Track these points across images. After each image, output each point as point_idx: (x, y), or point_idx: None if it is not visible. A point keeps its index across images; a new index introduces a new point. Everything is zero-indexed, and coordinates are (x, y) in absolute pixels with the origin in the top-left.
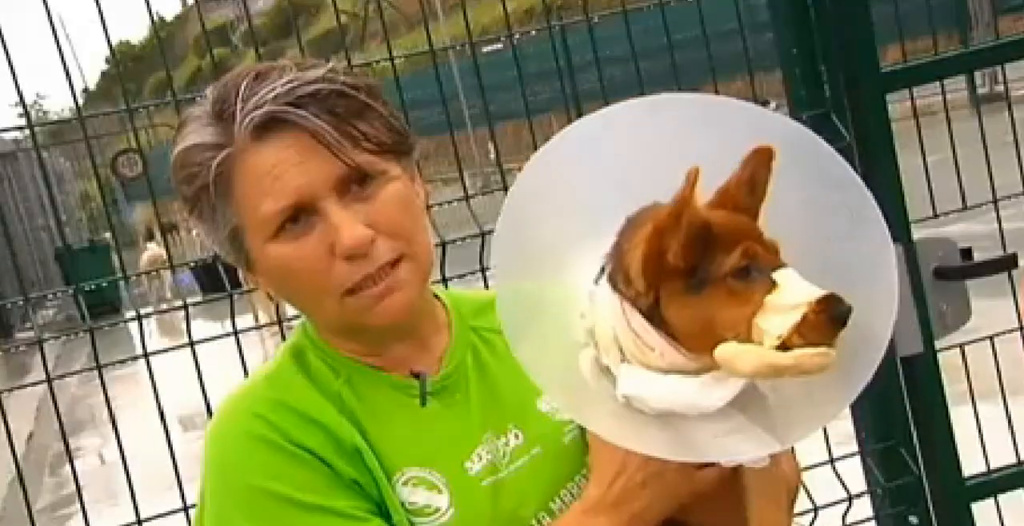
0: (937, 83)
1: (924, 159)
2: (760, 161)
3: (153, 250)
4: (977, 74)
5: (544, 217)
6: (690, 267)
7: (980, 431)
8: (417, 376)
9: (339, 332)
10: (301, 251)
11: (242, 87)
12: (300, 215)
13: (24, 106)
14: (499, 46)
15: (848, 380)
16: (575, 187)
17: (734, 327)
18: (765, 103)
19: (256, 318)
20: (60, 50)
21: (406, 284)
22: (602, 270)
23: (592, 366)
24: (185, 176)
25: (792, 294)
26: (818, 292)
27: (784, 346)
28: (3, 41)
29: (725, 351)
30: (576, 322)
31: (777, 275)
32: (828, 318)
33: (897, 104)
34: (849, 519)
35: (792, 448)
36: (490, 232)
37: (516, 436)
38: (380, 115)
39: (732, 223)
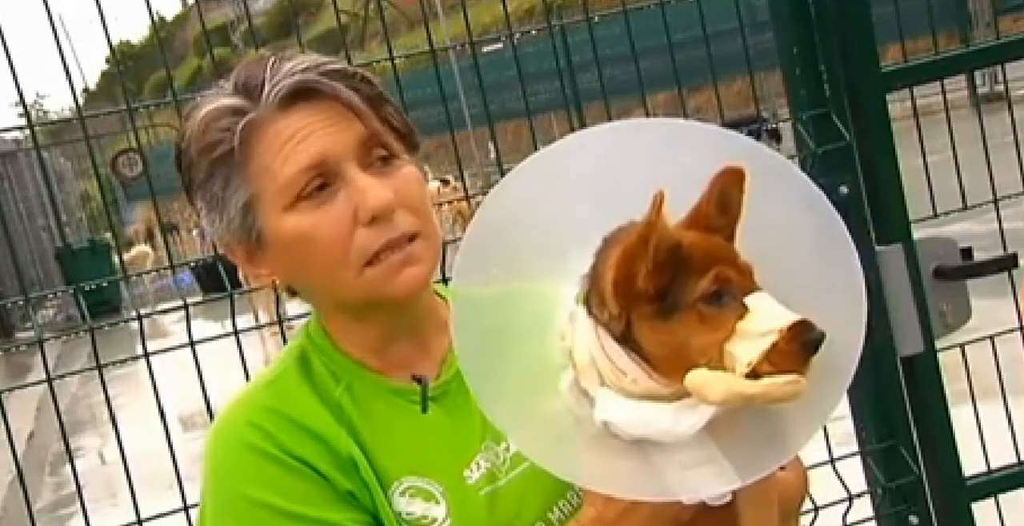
0: (936, 83)
1: (924, 158)
2: (729, 180)
3: (138, 249)
4: (977, 74)
5: (518, 231)
6: (660, 291)
7: (980, 431)
8: (419, 381)
9: (349, 313)
10: (323, 219)
11: (270, 63)
12: (322, 183)
13: (24, 106)
14: (499, 46)
15: (814, 410)
16: (552, 203)
17: (705, 353)
18: (761, 118)
19: (256, 318)
20: (60, 50)
21: (423, 259)
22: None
23: (572, 389)
24: (205, 144)
25: (763, 320)
26: (790, 318)
27: (755, 373)
28: (3, 41)
29: (695, 379)
30: (555, 343)
31: (750, 299)
32: (799, 345)
33: (897, 104)
34: (849, 519)
35: (797, 455)
36: None
37: None
38: (395, 107)
39: (705, 245)
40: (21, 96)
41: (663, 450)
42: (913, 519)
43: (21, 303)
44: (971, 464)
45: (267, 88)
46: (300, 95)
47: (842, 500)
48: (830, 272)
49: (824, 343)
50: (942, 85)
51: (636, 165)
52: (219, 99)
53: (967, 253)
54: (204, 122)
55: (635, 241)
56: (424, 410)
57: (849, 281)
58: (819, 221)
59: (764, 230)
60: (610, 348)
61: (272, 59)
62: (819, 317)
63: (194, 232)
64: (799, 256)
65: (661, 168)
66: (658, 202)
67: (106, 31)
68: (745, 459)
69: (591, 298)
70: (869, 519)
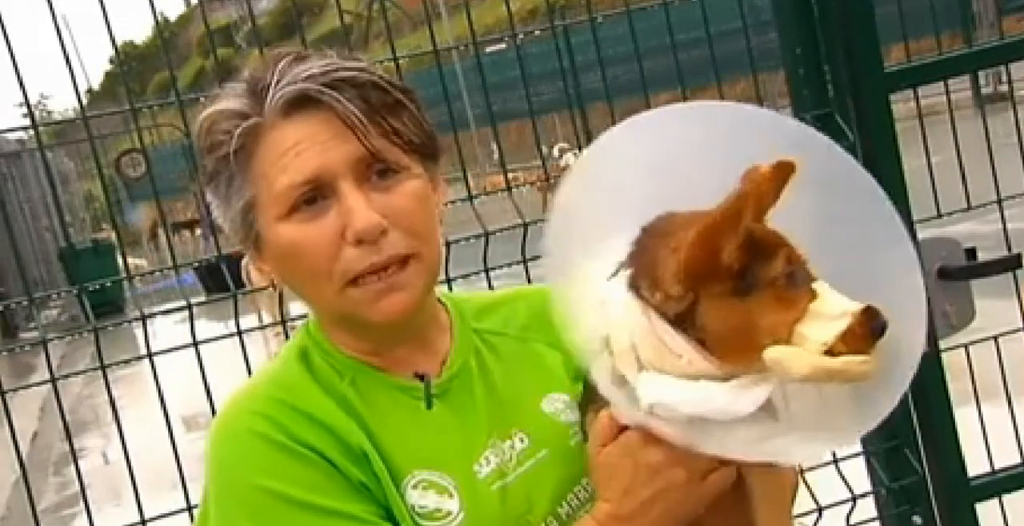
0: (939, 83)
1: (928, 159)
2: (780, 175)
3: (133, 262)
4: (981, 74)
5: (581, 216)
6: (740, 269)
7: (984, 431)
8: (421, 378)
9: (338, 324)
10: (312, 232)
11: (280, 65)
12: (316, 196)
13: (28, 106)
14: (502, 46)
15: (882, 397)
16: (604, 189)
17: (775, 332)
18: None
19: (260, 318)
20: (65, 50)
21: (410, 286)
22: (615, 276)
23: (608, 376)
24: (209, 144)
25: (835, 303)
26: (858, 303)
27: (829, 353)
28: (8, 41)
29: (775, 353)
30: (594, 328)
31: (815, 285)
32: (870, 329)
33: (900, 104)
34: (853, 519)
35: None
36: (493, 232)
37: (521, 440)
38: (412, 115)
39: (769, 230)
40: (26, 96)
41: (722, 427)
42: (917, 520)
43: (25, 303)
44: (975, 464)
45: (271, 92)
46: (302, 103)
47: (846, 500)
48: (885, 261)
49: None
50: (946, 85)
51: (693, 153)
52: (228, 98)
53: (971, 253)
54: (209, 121)
55: (720, 217)
56: (428, 406)
57: (906, 270)
58: (875, 213)
59: (819, 218)
60: (662, 330)
61: (285, 60)
62: (873, 294)
63: (197, 231)
64: (855, 246)
65: (714, 156)
66: (755, 177)
67: (110, 32)
68: (809, 439)
69: (639, 281)
70: (873, 520)
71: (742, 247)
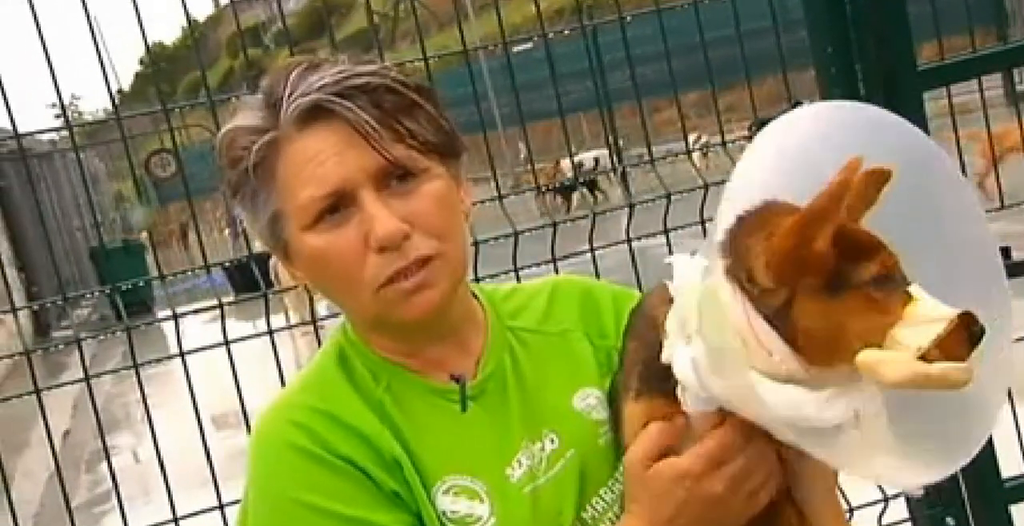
0: (973, 81)
1: (960, 157)
2: (873, 182)
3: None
4: (1015, 71)
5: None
6: (833, 263)
7: (1019, 432)
8: (457, 380)
9: (373, 327)
10: (337, 242)
11: (292, 75)
12: (339, 206)
13: (63, 108)
14: (528, 46)
15: (983, 410)
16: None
17: (868, 336)
18: (798, 103)
19: (287, 318)
20: (99, 52)
21: (436, 283)
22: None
23: (691, 362)
24: (230, 159)
25: (931, 308)
26: (954, 309)
27: (924, 359)
28: (44, 43)
29: (871, 357)
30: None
31: (911, 289)
32: (968, 335)
33: (931, 102)
34: (885, 520)
35: None
36: (523, 232)
37: (552, 441)
38: (428, 114)
39: (865, 231)
40: (60, 98)
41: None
42: (949, 521)
43: (58, 303)
44: (1009, 466)
45: (285, 104)
46: (317, 114)
47: (877, 501)
48: (973, 268)
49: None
50: (979, 83)
51: (821, 151)
52: (245, 113)
53: (1005, 253)
54: (228, 137)
55: (818, 205)
56: (464, 409)
57: (994, 279)
58: (969, 231)
59: (916, 226)
60: (758, 326)
61: (297, 70)
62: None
63: (226, 231)
64: (947, 252)
65: (827, 155)
66: (854, 167)
67: (143, 33)
68: (918, 453)
69: (738, 272)
70: (905, 521)
71: (835, 242)
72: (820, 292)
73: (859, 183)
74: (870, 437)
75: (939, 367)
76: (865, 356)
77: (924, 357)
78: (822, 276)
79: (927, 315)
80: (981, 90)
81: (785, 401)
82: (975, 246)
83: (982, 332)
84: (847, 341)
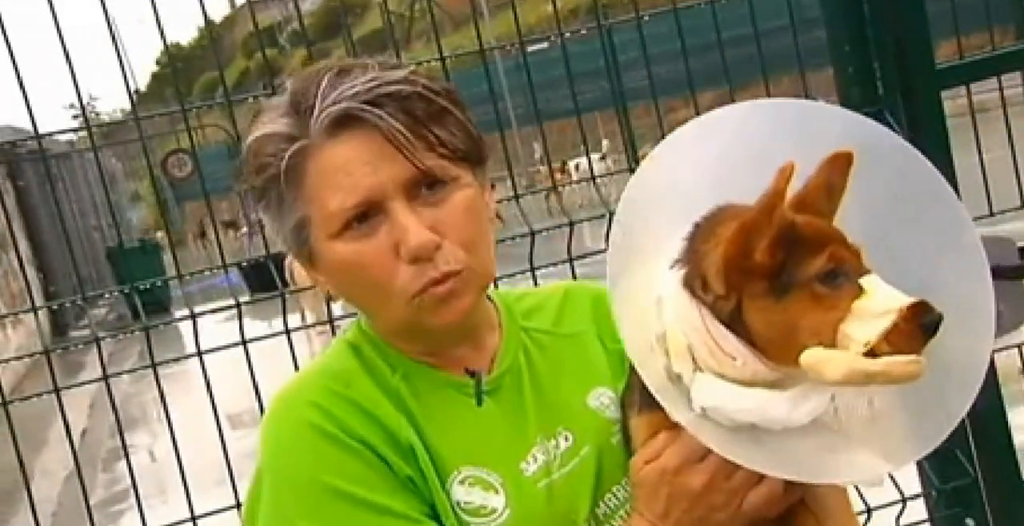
0: (992, 79)
1: (980, 156)
2: (837, 167)
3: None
4: None
5: (646, 213)
6: (775, 268)
7: None
8: (472, 374)
9: (401, 332)
10: (366, 251)
11: (323, 82)
12: (367, 215)
13: (83, 108)
14: (543, 45)
15: (938, 412)
16: (667, 182)
17: (818, 333)
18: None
19: (303, 317)
20: (118, 52)
21: (466, 292)
22: (670, 272)
23: (663, 375)
24: (257, 165)
25: (880, 300)
26: (907, 299)
27: (872, 354)
28: (64, 44)
29: (811, 356)
30: (649, 325)
31: (863, 281)
32: (918, 326)
33: (949, 101)
34: (903, 521)
35: None
36: (539, 231)
37: (566, 438)
38: (458, 121)
39: (816, 226)
40: (80, 99)
41: (774, 436)
42: (969, 522)
43: (76, 302)
44: None
45: (316, 112)
46: (348, 122)
47: (895, 502)
48: (948, 255)
49: (942, 326)
50: (999, 82)
51: (753, 147)
52: (273, 119)
53: (1023, 252)
54: (256, 145)
55: (755, 214)
56: (479, 403)
57: (972, 264)
58: (943, 215)
59: (883, 216)
60: (716, 331)
61: (327, 77)
62: (936, 300)
63: (242, 230)
64: (918, 247)
65: (775, 151)
66: (787, 174)
67: (162, 33)
68: (885, 447)
69: (692, 280)
70: (923, 521)
71: (776, 244)
72: (767, 294)
73: (822, 173)
74: (850, 430)
75: (882, 362)
76: (807, 356)
77: (873, 352)
78: (767, 279)
79: (876, 308)
80: (1001, 89)
81: (750, 405)
82: (938, 212)
83: (937, 322)
84: (800, 340)
